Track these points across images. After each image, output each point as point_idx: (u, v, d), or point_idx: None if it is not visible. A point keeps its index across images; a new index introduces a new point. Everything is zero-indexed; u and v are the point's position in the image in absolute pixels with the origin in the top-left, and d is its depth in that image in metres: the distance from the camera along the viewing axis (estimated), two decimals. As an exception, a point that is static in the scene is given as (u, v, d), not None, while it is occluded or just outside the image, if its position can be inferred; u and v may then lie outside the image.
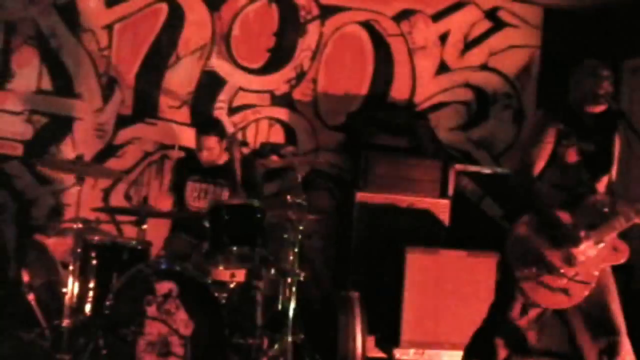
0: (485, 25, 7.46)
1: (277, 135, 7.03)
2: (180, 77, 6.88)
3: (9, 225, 6.60)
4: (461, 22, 7.41)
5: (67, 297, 5.15)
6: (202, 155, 5.83)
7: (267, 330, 5.26)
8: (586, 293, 4.32)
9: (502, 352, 4.57)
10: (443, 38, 7.38)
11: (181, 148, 6.72)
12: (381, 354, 6.05)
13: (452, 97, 7.40)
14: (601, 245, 4.34)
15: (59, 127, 6.71)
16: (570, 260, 4.32)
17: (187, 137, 6.70)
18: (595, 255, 4.33)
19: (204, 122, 6.30)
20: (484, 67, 7.46)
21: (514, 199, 4.83)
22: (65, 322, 5.11)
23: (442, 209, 6.52)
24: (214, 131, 5.86)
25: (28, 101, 6.67)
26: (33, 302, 5.64)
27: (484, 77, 7.47)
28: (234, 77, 6.99)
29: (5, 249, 6.53)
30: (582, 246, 4.31)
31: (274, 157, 6.47)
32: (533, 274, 4.35)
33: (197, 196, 5.85)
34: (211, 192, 5.84)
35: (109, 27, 6.79)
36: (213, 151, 5.81)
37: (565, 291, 4.34)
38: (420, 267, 6.00)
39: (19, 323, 5.59)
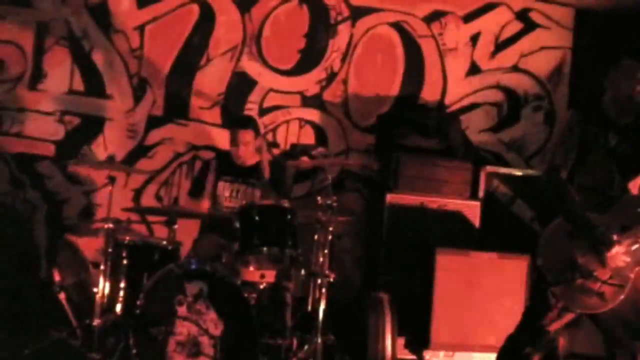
0: (517, 26, 7.41)
1: (308, 137, 7.03)
2: (211, 78, 6.90)
3: (41, 225, 6.65)
4: (492, 23, 7.37)
5: (98, 297, 5.18)
6: (237, 152, 5.83)
7: (297, 331, 5.25)
8: (621, 297, 4.26)
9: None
10: (474, 39, 7.34)
11: (211, 149, 6.74)
12: (411, 356, 6.02)
13: (483, 98, 7.35)
14: (635, 247, 4.28)
15: (91, 127, 6.75)
16: (603, 264, 4.26)
17: (218, 137, 6.73)
18: (629, 258, 4.28)
19: (240, 118, 6.33)
20: (515, 68, 7.41)
21: (544, 201, 4.78)
22: (96, 322, 5.14)
23: (472, 210, 6.47)
24: (251, 126, 5.89)
25: (60, 101, 6.71)
26: (64, 302, 5.67)
27: (515, 78, 7.42)
28: (264, 78, 6.99)
29: (36, 249, 6.59)
30: (616, 249, 4.26)
31: (305, 158, 6.45)
32: (566, 278, 4.29)
33: (228, 196, 5.85)
34: (242, 192, 5.85)
35: (140, 28, 6.82)
36: (248, 146, 5.82)
37: (599, 295, 4.28)
38: (450, 268, 5.96)
39: (50, 322, 5.63)
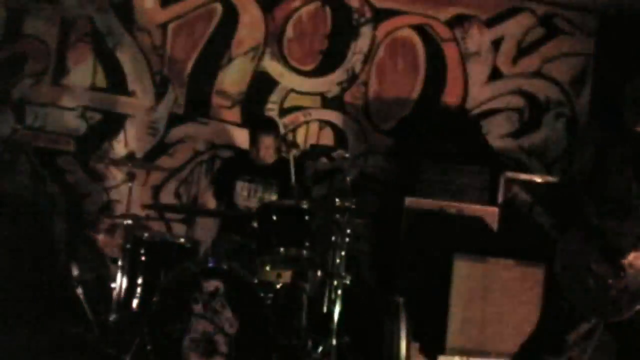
0: (540, 32, 7.37)
1: (327, 138, 7.03)
2: (233, 77, 6.92)
3: (60, 219, 6.69)
4: (515, 29, 7.34)
5: (115, 292, 5.22)
6: (257, 154, 5.85)
7: (311, 332, 5.26)
8: (638, 306, 4.23)
9: None
10: (496, 44, 7.31)
11: (231, 148, 6.77)
12: (426, 361, 6.02)
13: (504, 103, 7.32)
14: None
15: (112, 123, 6.79)
16: (618, 272, 4.24)
17: (238, 137, 6.76)
18: None
19: (262, 121, 6.36)
20: (538, 74, 7.38)
21: (564, 208, 4.76)
22: (113, 317, 5.18)
23: (491, 216, 6.45)
24: (273, 130, 5.91)
25: (82, 97, 6.76)
26: (81, 296, 5.70)
27: (537, 84, 7.39)
28: (285, 78, 7.00)
29: (55, 243, 6.62)
30: (631, 257, 4.23)
31: (324, 160, 6.46)
32: (582, 287, 4.27)
33: (246, 195, 5.87)
34: (261, 192, 5.86)
35: (163, 26, 6.85)
36: (269, 150, 5.84)
37: (615, 304, 4.25)
38: (467, 274, 5.94)
39: (67, 317, 5.66)
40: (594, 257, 4.27)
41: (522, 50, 7.37)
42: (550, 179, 6.84)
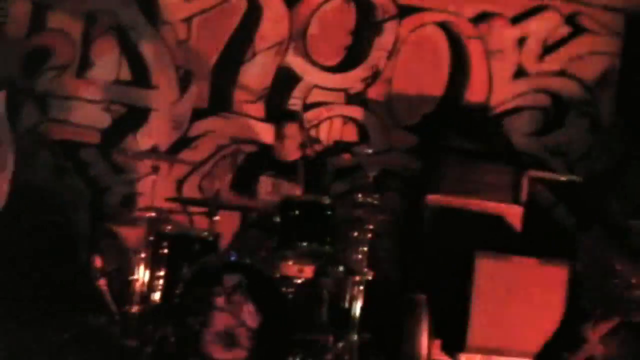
0: (565, 30, 7.31)
1: (350, 134, 7.02)
2: (256, 73, 6.92)
3: (83, 212, 6.72)
4: (540, 27, 7.28)
5: (137, 285, 5.24)
6: (281, 145, 5.85)
7: (332, 327, 5.25)
8: None
9: None
10: (521, 42, 7.26)
11: (254, 143, 6.77)
12: (446, 359, 5.99)
13: (528, 102, 7.28)
14: None
15: (136, 117, 6.81)
16: None
17: (261, 132, 6.76)
18: None
19: (286, 111, 6.36)
20: (562, 72, 7.32)
21: (587, 207, 4.74)
22: (134, 309, 5.20)
23: (514, 215, 6.43)
24: (296, 119, 5.91)
25: (106, 90, 6.78)
26: (103, 288, 5.73)
27: (561, 83, 7.34)
28: (309, 74, 6.99)
29: (78, 236, 6.65)
30: None
31: (346, 156, 6.45)
32: (605, 286, 4.25)
33: (269, 191, 5.87)
34: (284, 187, 5.86)
35: (187, 20, 6.86)
36: (293, 140, 5.84)
37: (638, 303, 4.23)
38: (489, 272, 5.92)
39: (89, 308, 5.69)
40: (617, 256, 4.25)
41: (547, 49, 7.31)
42: (573, 178, 6.79)
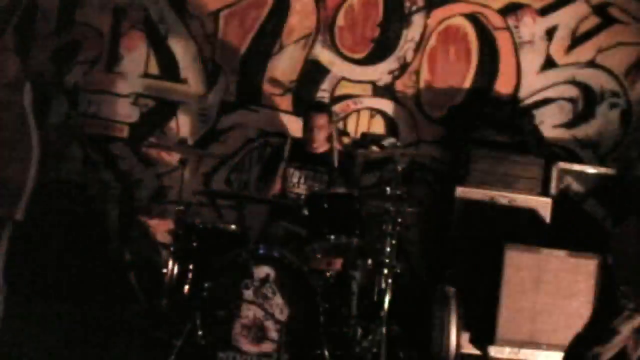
0: (594, 21, 7.24)
1: (378, 126, 7.00)
2: (284, 66, 6.93)
3: (113, 205, 6.77)
4: (569, 17, 7.22)
5: (166, 277, 5.26)
6: (310, 136, 5.86)
7: (361, 320, 5.25)
8: None
9: None
10: (550, 33, 7.20)
11: (280, 136, 6.78)
12: (475, 351, 5.97)
13: (557, 93, 7.22)
14: None
15: (164, 110, 6.84)
16: None
17: (289, 124, 6.77)
18: None
19: (314, 102, 6.38)
20: (592, 63, 7.25)
21: (619, 199, 4.69)
22: (164, 302, 5.22)
23: (543, 207, 6.39)
24: (325, 110, 5.92)
25: (135, 84, 6.82)
26: (133, 280, 5.77)
27: (591, 74, 7.27)
28: (336, 66, 6.99)
29: (108, 228, 6.70)
30: None
31: (374, 148, 6.44)
32: (638, 278, 4.20)
33: (297, 182, 5.87)
34: (311, 179, 5.86)
35: (215, 14, 6.88)
36: (322, 130, 5.85)
37: None
38: (519, 264, 5.89)
39: (118, 300, 5.73)
40: None
41: (576, 40, 7.25)
42: (603, 170, 6.73)
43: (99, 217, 6.68)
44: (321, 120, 5.87)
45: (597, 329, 4.44)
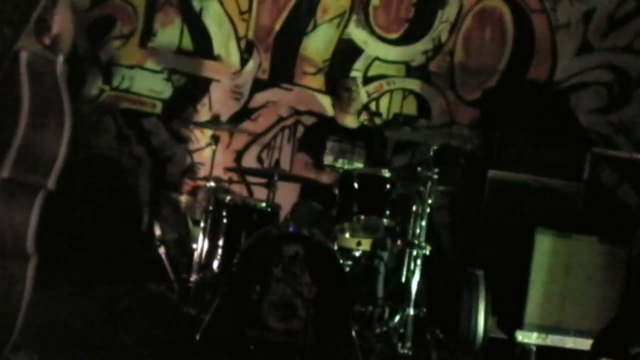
0: (632, 5, 7.14)
1: (411, 107, 6.98)
2: (317, 44, 6.92)
3: (145, 180, 6.81)
4: (607, 1, 7.12)
5: (196, 253, 5.29)
6: (348, 100, 5.88)
7: (389, 301, 5.25)
8: None
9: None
10: (587, 16, 7.11)
11: (314, 114, 6.77)
12: (502, 336, 5.95)
13: (593, 77, 7.14)
14: None
15: (197, 87, 6.86)
16: None
17: (322, 103, 6.76)
18: None
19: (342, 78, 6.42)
20: (629, 48, 7.16)
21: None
22: (193, 277, 5.26)
23: (576, 192, 6.33)
24: (352, 84, 5.98)
25: (168, 60, 6.85)
26: (163, 256, 5.80)
27: (627, 59, 7.17)
28: (370, 46, 6.97)
29: (139, 203, 6.75)
30: None
31: (407, 129, 6.42)
32: None
33: (335, 156, 5.85)
34: (349, 152, 5.84)
35: (250, -9, 6.89)
36: (352, 94, 5.86)
37: None
38: (549, 249, 5.83)
39: (148, 275, 5.77)
40: None
41: (614, 24, 7.15)
42: (638, 156, 6.65)
43: (130, 192, 6.73)
44: (350, 82, 5.97)
45: (626, 322, 4.40)
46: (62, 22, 3.65)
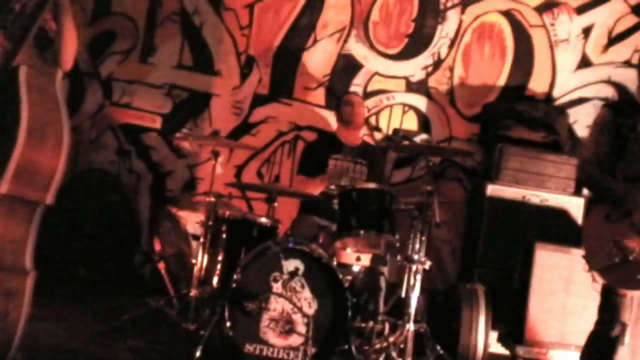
0: (631, 20, 7.15)
1: (411, 122, 6.98)
2: (317, 60, 6.93)
3: (144, 195, 6.81)
4: (606, 16, 7.13)
5: (196, 269, 5.28)
6: (350, 116, 5.89)
7: (389, 316, 5.24)
8: None
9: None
10: (586, 31, 7.13)
11: (314, 129, 6.77)
12: (503, 351, 5.94)
13: (592, 93, 7.13)
14: None
15: (197, 102, 6.87)
16: None
17: (321, 118, 6.77)
18: None
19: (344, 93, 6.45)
20: (628, 63, 7.16)
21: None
22: (193, 293, 5.24)
23: (576, 207, 6.33)
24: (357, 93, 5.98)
25: (169, 75, 6.86)
26: (163, 271, 5.79)
27: (627, 74, 7.16)
28: (370, 61, 6.97)
29: (139, 218, 6.74)
30: None
31: (406, 144, 6.42)
32: (612, 261, 4.12)
33: (338, 176, 5.82)
34: (352, 171, 5.83)
35: (250, 7, 6.89)
36: (360, 108, 5.90)
37: None
38: (549, 264, 5.83)
39: (148, 290, 5.76)
40: (620, 230, 4.12)
41: (613, 39, 7.16)
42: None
43: (130, 207, 6.72)
44: (355, 97, 5.97)
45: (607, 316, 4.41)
46: (67, 39, 3.67)
